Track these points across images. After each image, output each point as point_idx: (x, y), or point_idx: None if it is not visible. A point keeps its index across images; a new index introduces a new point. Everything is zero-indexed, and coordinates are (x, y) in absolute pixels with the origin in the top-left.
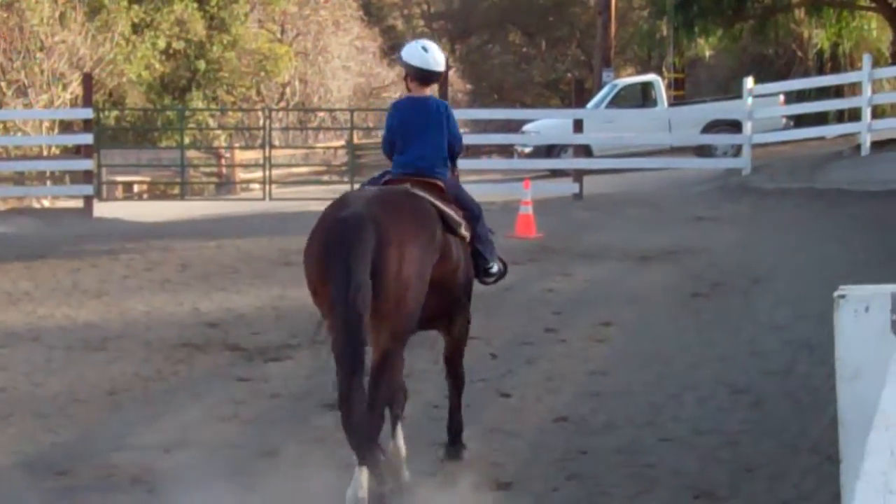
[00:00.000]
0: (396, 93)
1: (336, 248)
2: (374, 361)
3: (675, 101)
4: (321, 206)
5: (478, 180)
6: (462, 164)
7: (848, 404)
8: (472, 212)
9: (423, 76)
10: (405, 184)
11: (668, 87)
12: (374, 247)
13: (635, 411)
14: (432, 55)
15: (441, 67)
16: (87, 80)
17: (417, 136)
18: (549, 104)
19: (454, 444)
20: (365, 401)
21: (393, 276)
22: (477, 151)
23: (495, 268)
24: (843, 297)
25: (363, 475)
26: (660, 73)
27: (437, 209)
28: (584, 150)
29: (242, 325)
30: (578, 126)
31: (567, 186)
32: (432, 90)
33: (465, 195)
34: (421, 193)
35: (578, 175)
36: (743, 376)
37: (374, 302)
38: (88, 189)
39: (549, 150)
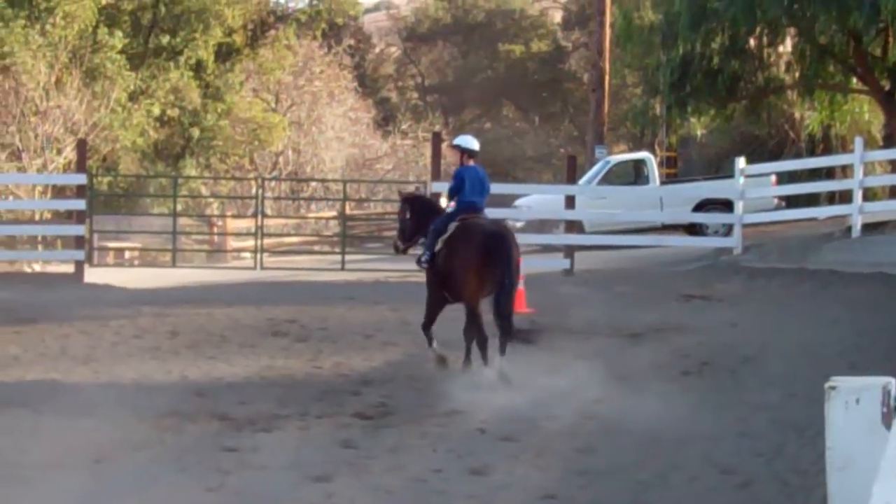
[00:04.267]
0: (389, 164)
1: (499, 248)
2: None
3: (668, 179)
4: (312, 277)
5: None
6: None
7: (838, 494)
8: None
9: (473, 154)
10: (474, 215)
11: (661, 164)
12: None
13: (623, 490)
14: (475, 142)
15: (478, 147)
16: (82, 146)
17: (472, 188)
18: (541, 179)
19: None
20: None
21: (517, 267)
22: None
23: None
24: (833, 388)
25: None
26: (652, 150)
27: None
28: (576, 226)
29: (231, 394)
30: (570, 202)
31: (558, 262)
32: (476, 161)
33: None
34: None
35: (570, 251)
36: (731, 456)
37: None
38: (80, 254)
39: (541, 225)
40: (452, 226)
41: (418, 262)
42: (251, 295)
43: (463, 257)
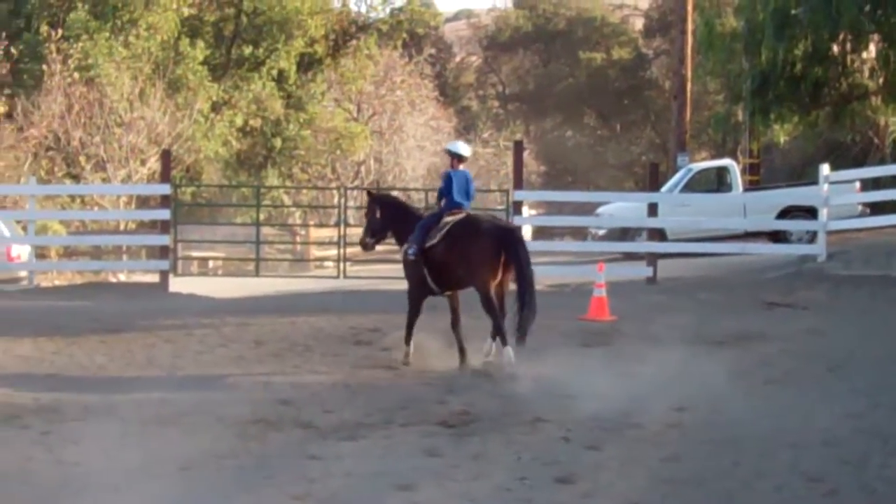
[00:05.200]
0: (471, 173)
1: (512, 241)
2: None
3: (750, 187)
4: (395, 285)
5: (550, 262)
6: (534, 245)
7: None
8: None
9: (462, 158)
10: (452, 211)
11: (743, 172)
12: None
13: (708, 499)
14: (466, 148)
15: (468, 154)
16: (166, 156)
17: (459, 190)
18: (622, 187)
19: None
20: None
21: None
22: (550, 233)
23: None
24: None
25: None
26: (734, 157)
27: None
28: (658, 234)
29: (315, 402)
30: (653, 209)
31: (641, 270)
32: (465, 165)
33: None
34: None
35: (652, 259)
36: (817, 465)
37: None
38: (164, 264)
39: (623, 233)
40: (452, 220)
41: (405, 254)
42: (334, 304)
43: (480, 247)
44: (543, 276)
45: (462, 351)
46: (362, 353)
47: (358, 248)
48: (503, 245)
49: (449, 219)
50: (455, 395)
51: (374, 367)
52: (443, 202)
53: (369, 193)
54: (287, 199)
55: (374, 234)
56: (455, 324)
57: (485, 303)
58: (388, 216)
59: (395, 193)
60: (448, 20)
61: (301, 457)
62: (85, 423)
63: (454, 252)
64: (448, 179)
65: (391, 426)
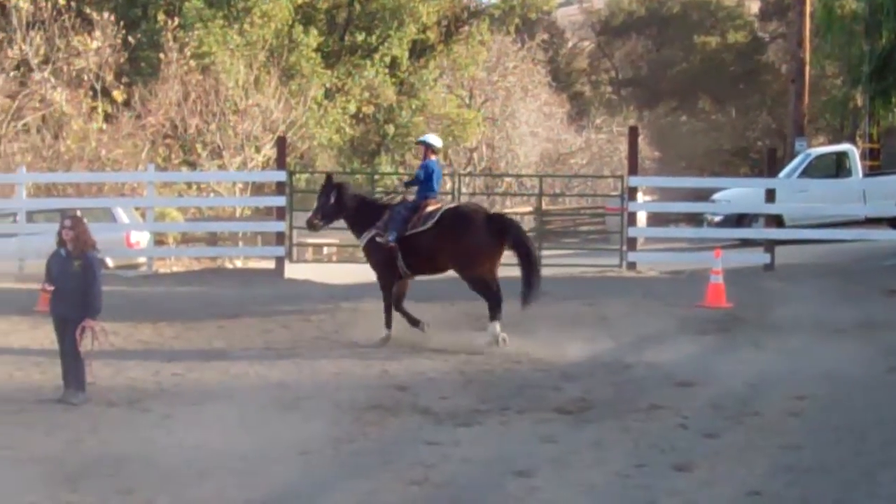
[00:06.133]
0: (584, 159)
1: (511, 228)
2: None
3: (871, 172)
4: (509, 272)
5: (665, 248)
6: (649, 231)
7: None
8: None
9: (436, 150)
10: (430, 200)
11: (863, 157)
12: None
13: (830, 488)
14: (439, 140)
15: (441, 145)
16: (281, 143)
17: (435, 179)
18: (737, 172)
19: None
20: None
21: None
22: (664, 219)
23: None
24: None
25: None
26: (853, 142)
27: None
28: (776, 220)
29: (431, 388)
30: (770, 195)
31: (758, 256)
32: (438, 156)
33: None
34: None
35: (770, 245)
36: None
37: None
38: (280, 251)
39: (740, 220)
40: (442, 208)
41: (372, 241)
42: (447, 290)
43: (480, 234)
44: (658, 262)
45: (415, 321)
46: (478, 340)
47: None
48: (503, 232)
49: (433, 208)
50: (570, 382)
51: (489, 353)
52: (413, 190)
53: (328, 178)
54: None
55: (324, 216)
56: (401, 303)
57: (477, 285)
58: (343, 204)
59: (507, 180)
60: (561, 5)
61: (418, 442)
62: (205, 406)
63: (447, 238)
64: (429, 169)
65: (507, 412)
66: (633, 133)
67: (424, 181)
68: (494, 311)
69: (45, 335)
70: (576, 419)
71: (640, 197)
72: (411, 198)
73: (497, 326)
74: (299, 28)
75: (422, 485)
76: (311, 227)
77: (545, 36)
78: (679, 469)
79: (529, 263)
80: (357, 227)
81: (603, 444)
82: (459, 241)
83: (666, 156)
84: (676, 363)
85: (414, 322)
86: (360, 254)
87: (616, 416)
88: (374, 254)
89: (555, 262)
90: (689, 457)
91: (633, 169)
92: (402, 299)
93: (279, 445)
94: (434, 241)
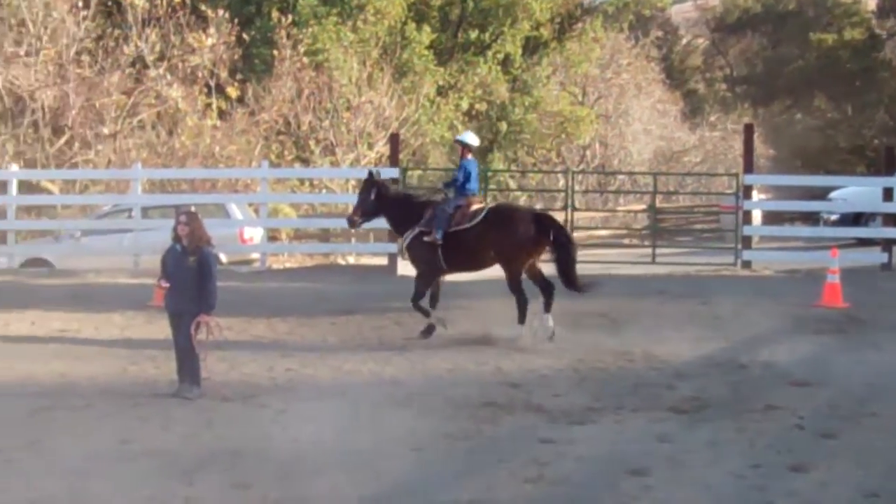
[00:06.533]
0: (698, 157)
1: (553, 226)
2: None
3: None
4: (622, 270)
5: (780, 247)
6: (764, 230)
7: None
8: None
9: (472, 149)
10: (471, 198)
11: None
12: None
13: None
14: (476, 138)
15: (477, 143)
16: (394, 140)
17: (474, 178)
18: (854, 171)
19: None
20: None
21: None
22: (779, 218)
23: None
24: None
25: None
26: None
27: None
28: (894, 220)
29: (545, 386)
30: (888, 194)
31: (875, 256)
32: (473, 154)
33: None
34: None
35: (887, 244)
36: None
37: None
38: (393, 247)
39: (857, 219)
40: (486, 206)
41: (416, 239)
42: (561, 288)
43: (523, 231)
44: (774, 261)
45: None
46: (596, 338)
47: (584, 233)
48: (546, 229)
49: (477, 206)
50: (684, 381)
51: (603, 351)
52: (450, 189)
53: (370, 175)
54: (512, 183)
55: (364, 214)
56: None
57: (514, 283)
58: (384, 201)
59: (620, 178)
60: (675, 2)
61: (532, 440)
62: (319, 402)
63: (494, 235)
64: (467, 169)
65: (621, 411)
66: (748, 130)
67: (465, 181)
68: (522, 315)
69: (159, 330)
70: (690, 418)
71: (755, 195)
72: (452, 196)
73: (522, 329)
74: (412, 25)
75: (536, 482)
76: (351, 223)
77: (659, 33)
78: (795, 470)
79: (568, 261)
80: (399, 225)
81: (718, 443)
82: (507, 238)
83: (780, 154)
84: (792, 363)
85: (429, 315)
86: None
87: (731, 416)
88: (418, 251)
89: (669, 261)
90: (806, 457)
91: (749, 167)
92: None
93: (393, 442)
94: (480, 238)
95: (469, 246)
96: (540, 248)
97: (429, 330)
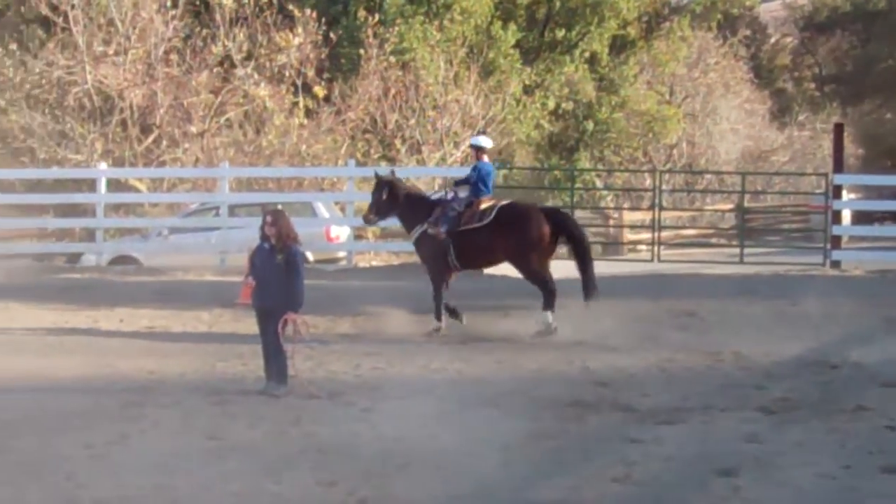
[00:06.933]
0: (785, 157)
1: (567, 221)
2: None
3: None
4: (710, 269)
5: (870, 247)
6: (854, 230)
7: None
8: None
9: (485, 151)
10: (484, 198)
11: None
12: None
13: None
14: (489, 141)
15: (490, 145)
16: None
17: (487, 179)
18: None
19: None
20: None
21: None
22: (869, 217)
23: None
24: None
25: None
26: None
27: None
28: None
29: (632, 385)
30: None
31: None
32: (489, 156)
33: None
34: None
35: None
36: None
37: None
38: None
39: None
40: (497, 205)
41: (423, 235)
42: (649, 287)
43: (536, 229)
44: (864, 261)
45: (453, 312)
46: (679, 338)
47: (671, 232)
48: (560, 226)
49: (487, 205)
50: (774, 381)
51: (691, 351)
52: (459, 189)
53: (377, 176)
54: (599, 182)
55: (378, 212)
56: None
57: (533, 277)
58: (396, 200)
59: (708, 177)
60: (763, 0)
61: (620, 439)
62: (405, 400)
63: (506, 233)
64: (479, 170)
65: (710, 411)
66: (838, 130)
67: (477, 182)
68: (549, 302)
69: (246, 327)
70: (780, 419)
71: (845, 194)
72: (463, 195)
73: (549, 316)
74: (498, 24)
75: (623, 482)
76: (367, 222)
77: (747, 32)
78: (887, 471)
79: (585, 257)
80: (408, 222)
81: (808, 444)
82: (519, 235)
83: (870, 153)
84: (883, 364)
85: (455, 314)
86: (559, 249)
87: (821, 417)
88: (425, 247)
89: (757, 260)
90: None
91: (839, 166)
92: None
93: (479, 440)
94: (492, 236)
95: (480, 244)
96: (552, 246)
97: (436, 330)
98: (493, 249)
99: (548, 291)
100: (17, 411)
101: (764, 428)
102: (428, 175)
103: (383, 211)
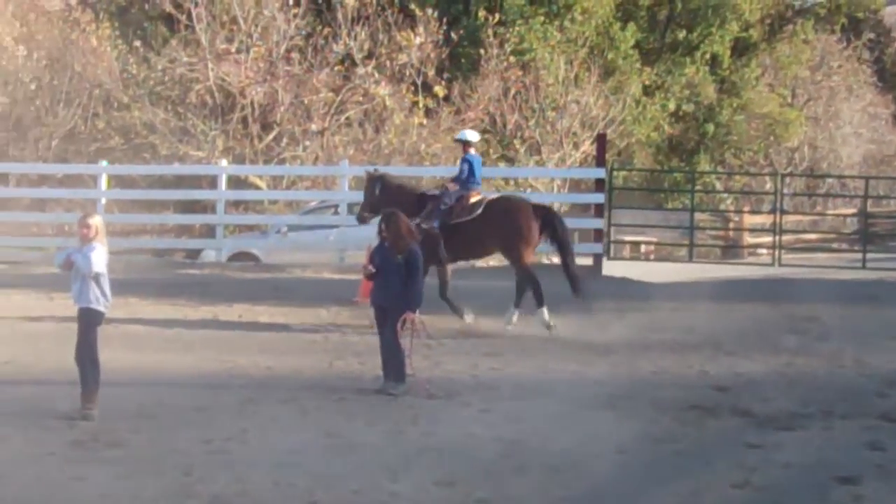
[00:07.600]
0: None
1: (554, 219)
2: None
3: None
4: (832, 274)
5: None
6: None
7: None
8: None
9: (473, 145)
10: (472, 192)
11: None
12: None
13: None
14: (476, 134)
15: (477, 139)
16: (601, 140)
17: (477, 171)
18: None
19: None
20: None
21: None
22: None
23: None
24: None
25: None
26: None
27: None
28: None
29: (751, 390)
30: None
31: None
32: (475, 149)
33: None
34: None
35: None
36: None
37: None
38: (598, 247)
39: None
40: (487, 198)
41: (429, 226)
42: (769, 291)
43: (525, 222)
44: None
45: (458, 310)
46: (799, 343)
47: (792, 236)
48: (545, 221)
49: (476, 199)
50: None
51: (811, 356)
52: (450, 183)
53: (368, 174)
54: (719, 185)
55: (372, 209)
56: (444, 292)
57: (523, 271)
58: (388, 195)
59: (829, 181)
60: (889, 3)
61: (739, 445)
62: (522, 401)
63: (495, 226)
64: (471, 163)
65: (830, 417)
66: None
67: (471, 174)
68: (539, 298)
69: (364, 326)
70: None
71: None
72: (453, 189)
73: (545, 312)
74: (616, 25)
75: (743, 488)
76: (361, 220)
77: (872, 35)
78: None
79: (567, 253)
80: None
81: None
82: (508, 228)
83: None
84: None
85: (457, 310)
86: (679, 252)
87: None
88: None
89: (881, 266)
90: None
91: None
92: (447, 288)
93: (597, 443)
94: (482, 229)
95: (471, 237)
96: (538, 240)
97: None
98: (484, 241)
99: (536, 287)
100: (136, 406)
101: (886, 436)
102: (546, 176)
103: (377, 208)
